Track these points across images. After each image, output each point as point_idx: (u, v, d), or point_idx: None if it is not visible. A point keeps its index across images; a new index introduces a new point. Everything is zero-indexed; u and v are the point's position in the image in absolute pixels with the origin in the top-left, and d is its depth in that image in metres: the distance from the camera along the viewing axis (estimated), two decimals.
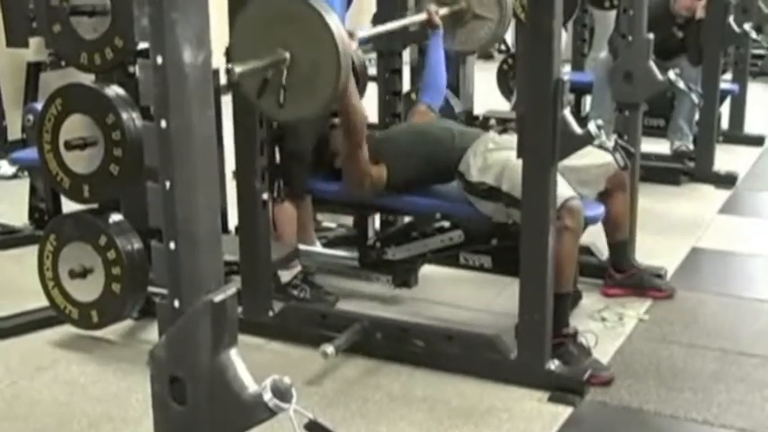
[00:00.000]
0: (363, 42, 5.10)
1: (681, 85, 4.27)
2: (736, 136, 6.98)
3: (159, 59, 1.81)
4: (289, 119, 3.39)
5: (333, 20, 2.97)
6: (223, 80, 3.95)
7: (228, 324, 1.89)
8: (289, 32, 3.02)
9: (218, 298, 1.87)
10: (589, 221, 3.69)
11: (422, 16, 4.24)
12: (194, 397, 1.90)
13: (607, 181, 3.83)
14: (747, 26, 6.18)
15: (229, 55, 3.29)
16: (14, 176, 6.04)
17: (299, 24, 3.02)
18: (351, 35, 3.52)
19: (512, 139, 3.46)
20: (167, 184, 1.86)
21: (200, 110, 1.85)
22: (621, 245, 4.14)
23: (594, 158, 3.70)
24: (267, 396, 1.84)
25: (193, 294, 1.88)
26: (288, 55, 3.01)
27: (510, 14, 4.48)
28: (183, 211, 1.86)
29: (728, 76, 7.02)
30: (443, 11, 4.27)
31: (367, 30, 3.79)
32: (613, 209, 3.91)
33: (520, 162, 3.28)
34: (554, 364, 3.37)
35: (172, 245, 1.89)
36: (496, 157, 3.63)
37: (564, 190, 3.42)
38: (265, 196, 3.74)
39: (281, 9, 3.04)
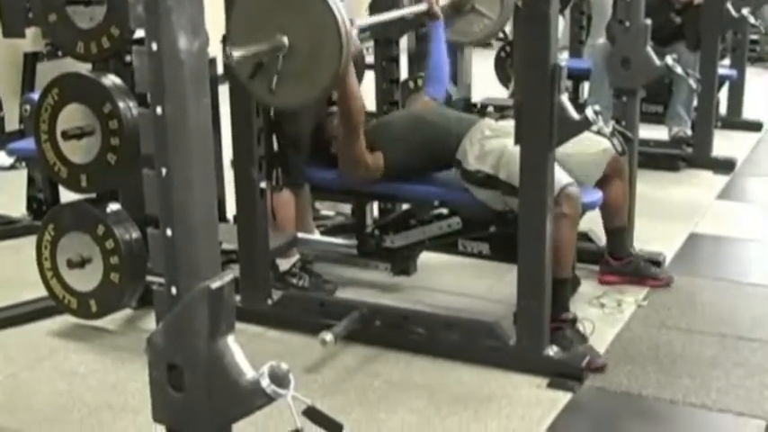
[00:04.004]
0: (362, 30, 5.11)
1: (679, 70, 4.26)
2: (735, 121, 6.97)
3: (154, 46, 1.81)
4: (286, 105, 3.38)
5: (336, 5, 2.95)
6: (220, 69, 3.97)
7: (225, 311, 1.89)
8: (289, 17, 3.01)
9: (214, 284, 1.87)
10: (587, 207, 3.69)
11: (422, 6, 4.21)
12: (192, 384, 1.90)
13: (605, 167, 3.82)
14: (745, 11, 6.17)
15: (226, 41, 3.28)
16: (12, 167, 6.04)
17: (301, 9, 3.01)
18: (351, 23, 3.51)
19: (508, 124, 3.46)
20: (163, 170, 1.86)
21: (195, 97, 1.85)
22: (619, 232, 4.13)
23: (592, 145, 3.71)
24: (265, 382, 1.84)
25: (190, 281, 1.88)
26: (286, 40, 3.00)
27: (510, 13, 4.42)
28: (179, 198, 1.86)
29: (727, 61, 7.01)
30: (444, 1, 4.23)
31: (366, 19, 3.77)
32: (611, 195, 3.91)
33: (517, 149, 3.28)
34: (553, 351, 3.38)
35: (168, 232, 1.89)
36: (493, 145, 3.63)
37: (561, 176, 3.42)
38: (263, 185, 3.74)
39: None
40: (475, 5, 4.27)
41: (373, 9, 4.65)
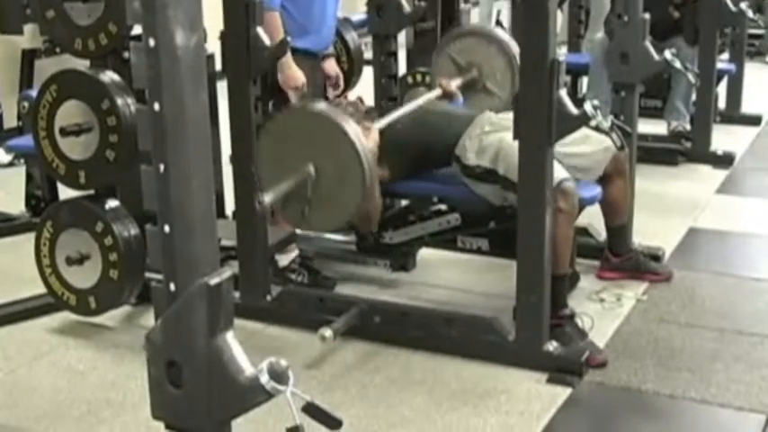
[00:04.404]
0: (359, 26, 5.11)
1: (677, 65, 4.25)
2: (734, 116, 6.96)
3: (151, 42, 1.80)
4: (317, 229, 3.61)
5: (352, 129, 3.09)
6: (218, 65, 3.97)
7: (224, 307, 1.88)
8: (310, 147, 3.15)
9: (213, 281, 1.86)
10: (586, 203, 3.69)
11: (437, 92, 4.15)
12: (191, 380, 1.89)
13: (606, 166, 3.82)
14: (744, 5, 6.15)
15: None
16: (11, 164, 6.04)
17: (319, 137, 3.14)
18: (368, 129, 3.52)
19: (508, 117, 3.46)
20: (161, 167, 1.85)
21: (193, 92, 1.84)
22: (620, 229, 4.13)
23: (593, 144, 3.70)
24: (264, 378, 1.84)
25: (189, 278, 1.88)
26: (312, 169, 3.08)
27: None
28: (177, 194, 1.86)
29: (725, 55, 7.00)
30: (457, 81, 4.20)
31: (384, 119, 3.80)
32: (612, 194, 3.90)
33: (515, 143, 3.28)
34: (552, 346, 3.37)
35: (167, 228, 1.88)
36: (492, 140, 3.63)
37: (558, 172, 3.41)
38: None
39: (299, 123, 3.22)
40: (486, 84, 4.27)
41: (370, 2, 4.64)
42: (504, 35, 4.36)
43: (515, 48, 4.18)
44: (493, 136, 3.64)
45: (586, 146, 3.65)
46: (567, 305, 3.57)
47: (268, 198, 3.03)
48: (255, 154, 3.51)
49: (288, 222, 3.54)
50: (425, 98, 4.07)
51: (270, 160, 3.28)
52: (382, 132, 3.78)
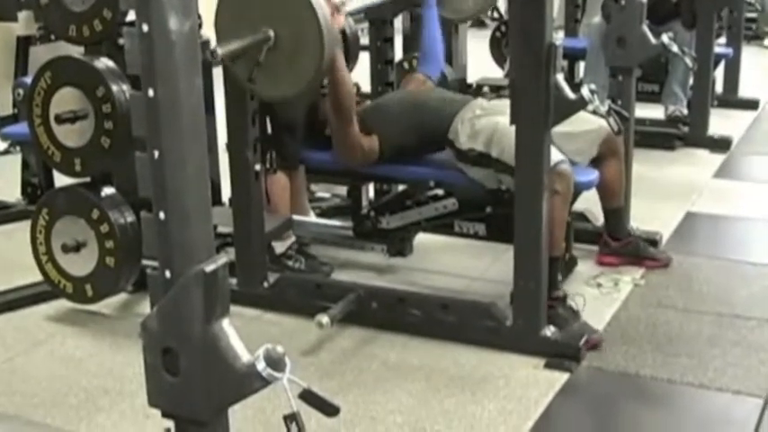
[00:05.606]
0: (354, 12, 5.09)
1: (674, 49, 4.25)
2: (731, 100, 6.95)
3: (145, 27, 1.79)
4: (273, 96, 3.40)
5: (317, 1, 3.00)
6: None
7: (220, 294, 1.88)
8: (272, 10, 3.03)
9: (209, 268, 1.85)
10: (583, 187, 3.69)
11: None
12: (187, 368, 1.89)
13: (599, 147, 3.81)
14: None
15: (214, 39, 3.29)
16: (6, 152, 6.02)
17: (283, 3, 3.02)
18: (337, 9, 3.50)
19: (500, 103, 3.45)
20: (156, 153, 1.84)
21: (187, 78, 1.83)
22: (617, 212, 4.12)
23: (585, 124, 3.70)
24: (260, 365, 1.83)
25: (184, 264, 1.87)
26: (272, 33, 3.01)
27: None
28: (172, 181, 1.84)
29: (723, 39, 6.99)
30: None
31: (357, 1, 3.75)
32: (608, 175, 3.89)
33: (508, 127, 3.27)
34: (550, 331, 3.37)
35: (162, 215, 1.87)
36: (484, 123, 3.62)
37: (553, 154, 3.40)
38: (258, 167, 3.73)
39: None
40: None
41: None
42: None
43: None
44: (485, 119, 3.63)
45: (576, 126, 3.63)
46: (560, 287, 3.57)
47: (221, 50, 2.97)
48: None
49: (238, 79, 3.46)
50: None
51: (231, 16, 3.20)
52: (373, 110, 3.79)
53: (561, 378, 3.25)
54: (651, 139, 5.82)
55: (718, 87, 6.91)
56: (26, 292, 3.90)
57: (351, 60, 4.87)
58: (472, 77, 5.99)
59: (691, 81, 6.16)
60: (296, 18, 3.05)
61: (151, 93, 1.82)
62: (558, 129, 3.37)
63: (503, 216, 3.58)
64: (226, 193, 4.16)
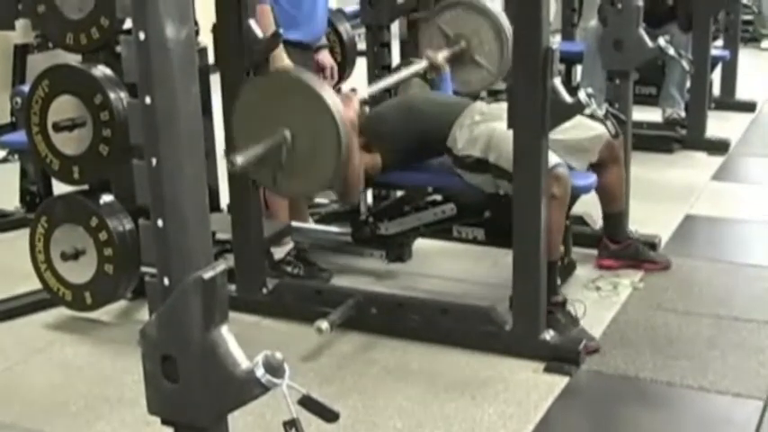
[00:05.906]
0: (352, 17, 5.10)
1: (671, 52, 4.25)
2: (728, 102, 6.96)
3: (141, 35, 1.79)
4: (300, 194, 3.54)
5: (330, 96, 3.05)
6: (211, 59, 3.95)
7: (219, 301, 1.87)
8: (284, 110, 3.09)
9: (207, 275, 1.85)
10: (581, 191, 3.69)
11: (423, 64, 4.11)
12: (186, 374, 1.88)
13: (600, 152, 3.81)
14: None
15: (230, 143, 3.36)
16: (5, 160, 6.03)
17: (297, 103, 3.09)
18: (349, 98, 3.50)
19: (499, 107, 3.44)
20: (153, 160, 1.84)
21: (184, 85, 1.83)
22: (617, 216, 4.12)
23: (585, 131, 3.69)
24: (260, 372, 1.83)
25: (183, 271, 1.86)
26: (288, 133, 3.05)
27: (508, 64, 4.32)
28: (169, 188, 1.84)
29: (719, 42, 6.99)
30: (444, 53, 4.17)
31: (367, 88, 3.75)
32: (608, 181, 3.90)
33: (506, 132, 3.27)
34: (549, 335, 3.37)
35: (160, 222, 1.87)
36: (482, 129, 3.62)
37: (550, 157, 3.40)
38: None
39: (277, 88, 3.16)
40: (474, 57, 4.22)
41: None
42: (494, 7, 4.31)
43: (505, 20, 4.15)
44: (483, 125, 3.63)
45: (577, 132, 3.63)
46: (559, 292, 3.57)
47: (240, 159, 2.99)
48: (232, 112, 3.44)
49: (261, 185, 3.49)
50: (413, 69, 4.03)
51: (246, 122, 3.23)
52: (373, 121, 3.78)
53: (561, 382, 3.25)
54: (649, 142, 5.81)
55: (716, 90, 6.91)
56: (25, 300, 3.90)
57: (348, 66, 4.88)
58: None
59: (688, 84, 6.16)
60: (310, 115, 3.08)
61: (148, 100, 1.82)
62: (558, 135, 3.38)
63: (501, 221, 3.58)
64: (224, 199, 4.16)
